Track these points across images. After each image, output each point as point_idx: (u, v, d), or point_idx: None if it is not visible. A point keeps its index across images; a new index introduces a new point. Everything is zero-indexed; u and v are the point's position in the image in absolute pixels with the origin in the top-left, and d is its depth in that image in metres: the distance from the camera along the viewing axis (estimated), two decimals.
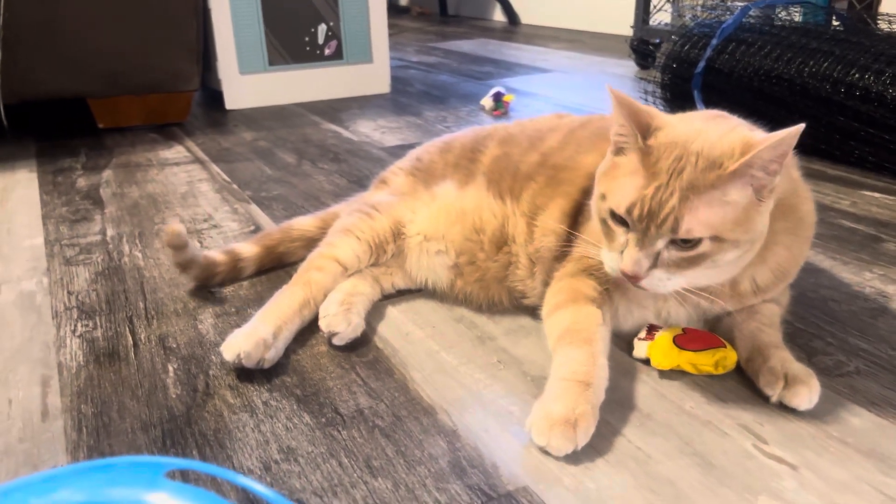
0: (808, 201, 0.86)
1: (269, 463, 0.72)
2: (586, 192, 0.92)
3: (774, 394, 0.78)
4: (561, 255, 0.92)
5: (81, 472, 0.39)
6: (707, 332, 0.87)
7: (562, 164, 0.97)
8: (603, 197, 0.78)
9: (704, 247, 0.73)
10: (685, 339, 0.85)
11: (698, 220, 0.71)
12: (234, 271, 1.10)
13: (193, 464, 0.38)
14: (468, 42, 3.76)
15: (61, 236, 1.32)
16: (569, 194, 0.94)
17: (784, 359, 0.80)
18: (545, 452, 0.72)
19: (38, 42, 1.82)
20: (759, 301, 0.87)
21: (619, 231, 0.76)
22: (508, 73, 2.80)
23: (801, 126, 0.69)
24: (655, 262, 0.74)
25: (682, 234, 0.72)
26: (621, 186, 0.75)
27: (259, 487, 0.38)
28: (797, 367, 0.79)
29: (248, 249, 1.11)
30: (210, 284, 1.09)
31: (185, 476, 0.69)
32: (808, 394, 0.76)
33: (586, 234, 0.89)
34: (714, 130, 0.75)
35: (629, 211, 0.73)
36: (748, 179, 0.72)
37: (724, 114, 0.81)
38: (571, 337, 0.80)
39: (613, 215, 0.76)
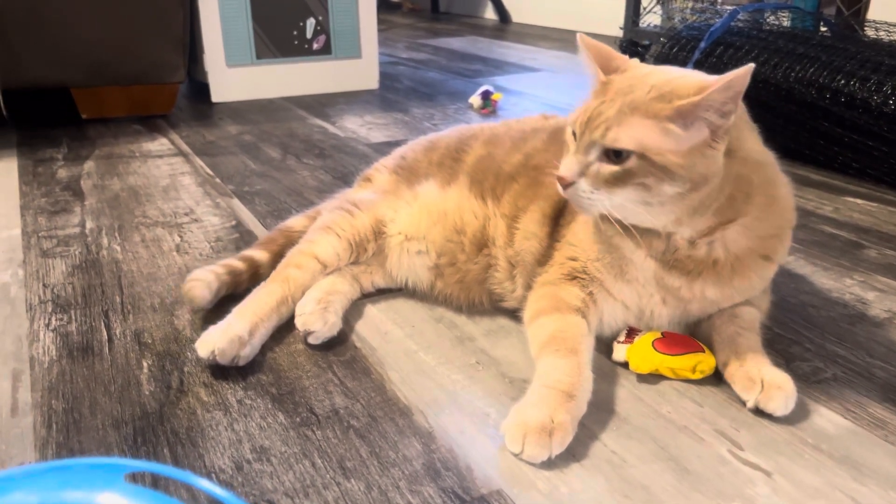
0: (784, 186, 0.85)
1: (241, 462, 0.71)
2: None
3: (751, 399, 0.78)
4: (543, 259, 0.92)
5: (36, 473, 0.38)
6: (686, 336, 0.87)
7: (544, 166, 0.97)
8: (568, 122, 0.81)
9: (631, 163, 0.73)
10: (664, 344, 0.85)
11: (627, 133, 0.73)
12: (254, 278, 1.02)
13: (151, 466, 0.37)
14: (458, 39, 3.75)
15: (39, 228, 1.30)
16: (550, 197, 0.93)
17: (761, 364, 0.80)
18: (518, 459, 0.71)
19: (21, 31, 1.80)
20: (744, 283, 0.84)
21: (571, 146, 0.79)
22: (497, 72, 2.79)
23: (751, 66, 0.70)
24: (585, 172, 0.76)
25: (609, 140, 0.74)
26: (579, 109, 0.79)
27: (218, 491, 0.37)
28: (774, 373, 0.79)
29: (262, 256, 1.05)
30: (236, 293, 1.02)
31: (154, 479, 0.68)
32: (783, 399, 0.76)
33: (570, 237, 0.89)
34: (676, 72, 0.78)
35: (575, 120, 0.78)
36: (699, 120, 0.72)
37: (706, 75, 0.81)
38: (557, 345, 0.79)
39: (568, 133, 0.80)
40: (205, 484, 0.36)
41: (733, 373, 0.80)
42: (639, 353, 0.85)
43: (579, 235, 0.88)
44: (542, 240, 0.92)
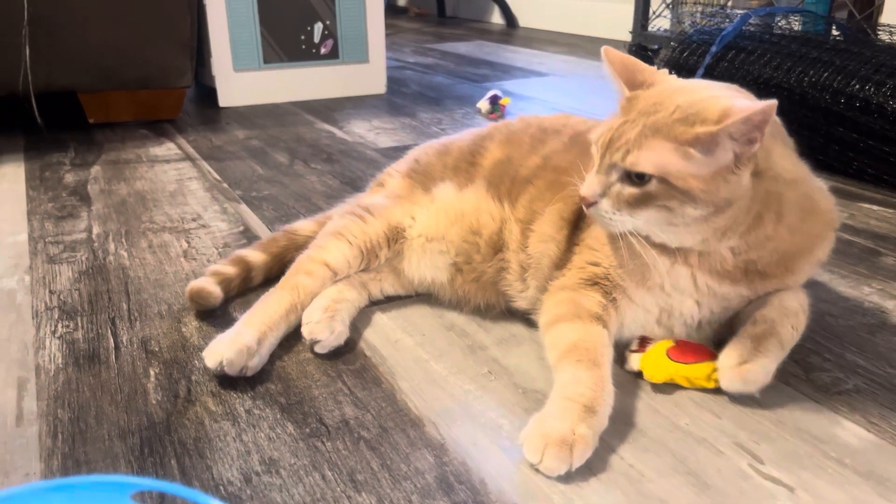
0: (821, 195, 0.85)
1: (249, 475, 0.70)
2: None
3: (723, 367, 0.78)
4: (561, 262, 0.90)
5: (41, 492, 0.37)
6: (699, 344, 0.85)
7: (564, 168, 0.95)
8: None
9: (652, 186, 0.73)
10: (677, 352, 0.83)
11: (647, 157, 0.72)
12: (246, 281, 1.04)
13: (159, 484, 0.36)
14: (465, 44, 3.74)
15: (46, 233, 1.29)
16: (570, 199, 0.92)
17: (761, 338, 0.78)
18: (535, 470, 0.69)
19: (30, 36, 1.79)
20: (770, 288, 0.83)
21: (594, 161, 0.79)
22: (505, 76, 2.78)
23: (774, 102, 0.69)
24: (607, 192, 0.76)
25: (628, 164, 0.73)
26: (604, 125, 0.79)
27: None
28: (757, 362, 0.77)
29: (257, 257, 1.05)
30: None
31: (161, 496, 0.67)
32: (734, 380, 0.77)
33: (591, 241, 0.87)
34: (706, 92, 0.76)
35: (597, 140, 0.78)
36: (721, 146, 0.71)
37: (740, 89, 0.80)
38: (579, 355, 0.77)
39: (593, 150, 0.79)
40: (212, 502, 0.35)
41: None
42: (653, 362, 0.83)
43: (602, 240, 0.86)
44: (559, 243, 0.91)
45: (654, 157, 0.72)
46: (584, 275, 0.86)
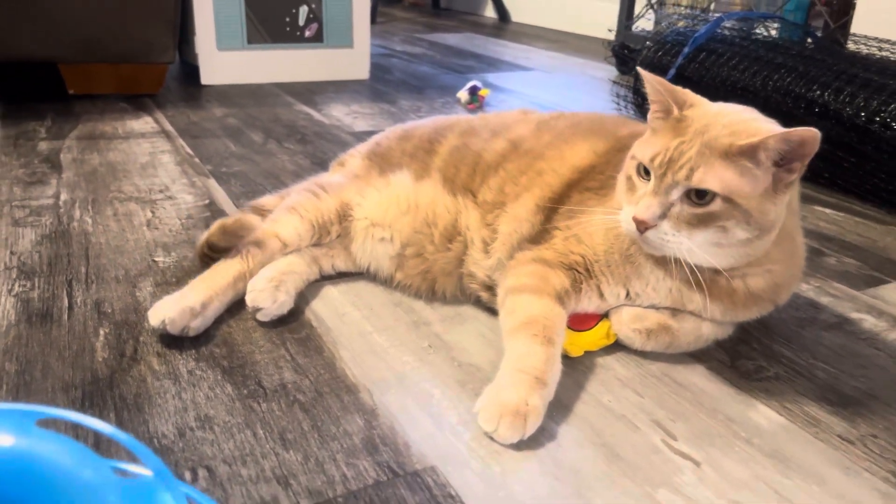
0: (801, 235, 0.90)
1: (184, 429, 0.73)
2: (571, 186, 0.93)
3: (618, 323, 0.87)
4: (534, 238, 0.92)
5: None
6: (584, 313, 0.90)
7: (539, 152, 0.98)
8: (632, 157, 0.82)
9: (716, 205, 0.75)
10: (577, 321, 0.89)
11: (713, 174, 0.74)
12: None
13: (62, 413, 0.39)
14: (455, 35, 3.76)
15: (13, 197, 1.31)
16: (549, 186, 0.94)
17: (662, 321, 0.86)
18: (490, 438, 0.73)
19: (11, 4, 1.80)
20: (744, 316, 0.88)
21: (641, 183, 0.80)
22: (490, 69, 2.81)
23: (817, 133, 0.72)
24: (666, 213, 0.77)
25: (695, 182, 0.75)
26: (650, 144, 0.80)
27: (121, 435, 0.39)
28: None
29: None
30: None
31: (97, 438, 0.69)
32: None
33: (580, 231, 0.88)
34: (746, 114, 0.80)
35: (652, 159, 0.77)
36: (762, 165, 0.75)
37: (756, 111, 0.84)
38: (536, 329, 0.79)
39: (638, 169, 0.80)
40: (98, 424, 0.38)
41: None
42: (566, 339, 0.86)
43: (594, 236, 0.88)
44: (534, 225, 0.93)
45: (720, 175, 0.74)
46: (564, 259, 0.88)
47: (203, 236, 1.00)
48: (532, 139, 1.01)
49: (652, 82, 0.81)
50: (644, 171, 0.79)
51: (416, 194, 1.02)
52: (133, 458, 0.43)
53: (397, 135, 1.14)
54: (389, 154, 1.10)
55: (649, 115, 0.84)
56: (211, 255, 0.98)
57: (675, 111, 0.80)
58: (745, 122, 0.78)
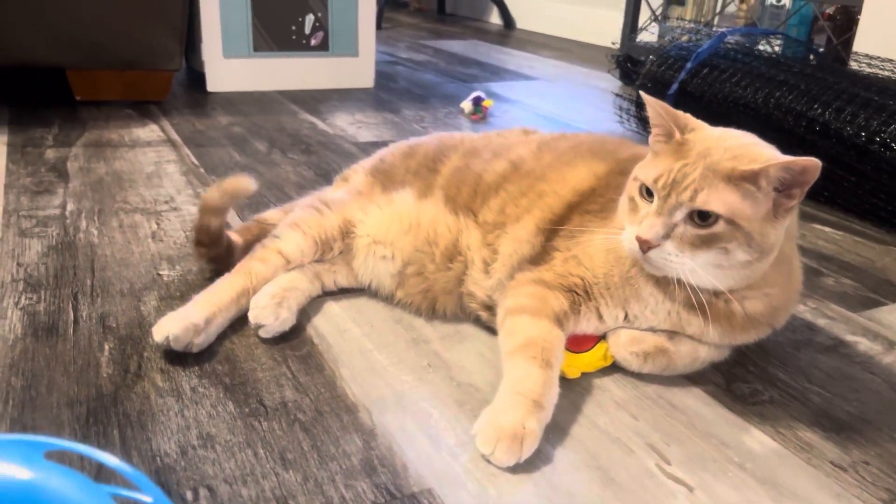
0: (797, 260, 0.92)
1: (186, 448, 0.74)
2: (572, 209, 0.94)
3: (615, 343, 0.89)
4: (536, 259, 0.93)
5: None
6: (582, 334, 0.91)
7: (540, 174, 0.99)
8: (635, 178, 0.83)
9: (719, 227, 0.76)
10: (574, 343, 0.90)
11: (717, 196, 0.76)
12: (230, 253, 1.07)
13: (70, 445, 0.40)
14: (459, 42, 3.78)
15: (20, 207, 1.32)
16: (550, 208, 0.95)
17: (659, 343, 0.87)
18: (486, 460, 0.74)
19: (19, 9, 1.82)
20: (741, 339, 0.89)
21: (643, 204, 0.81)
22: (494, 77, 2.82)
23: (818, 162, 0.74)
24: (670, 234, 0.78)
25: (699, 203, 0.76)
26: (653, 166, 0.81)
27: (127, 468, 0.40)
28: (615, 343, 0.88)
29: (237, 239, 1.09)
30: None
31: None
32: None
33: (579, 253, 0.89)
34: (747, 139, 0.82)
35: (655, 180, 0.79)
36: (763, 189, 0.76)
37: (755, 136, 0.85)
38: (534, 352, 0.80)
39: (641, 190, 0.81)
40: (104, 457, 0.39)
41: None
42: (564, 361, 0.87)
43: (593, 258, 0.89)
44: (534, 246, 0.94)
45: (721, 196, 0.76)
46: (563, 281, 0.89)
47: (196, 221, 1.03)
48: (533, 160, 1.02)
49: (654, 106, 0.82)
50: (647, 192, 0.81)
51: (418, 213, 1.03)
52: (134, 486, 0.44)
53: (402, 151, 1.15)
54: (393, 171, 1.11)
55: (651, 138, 0.85)
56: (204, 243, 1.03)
57: (677, 135, 0.81)
58: (745, 146, 0.79)
